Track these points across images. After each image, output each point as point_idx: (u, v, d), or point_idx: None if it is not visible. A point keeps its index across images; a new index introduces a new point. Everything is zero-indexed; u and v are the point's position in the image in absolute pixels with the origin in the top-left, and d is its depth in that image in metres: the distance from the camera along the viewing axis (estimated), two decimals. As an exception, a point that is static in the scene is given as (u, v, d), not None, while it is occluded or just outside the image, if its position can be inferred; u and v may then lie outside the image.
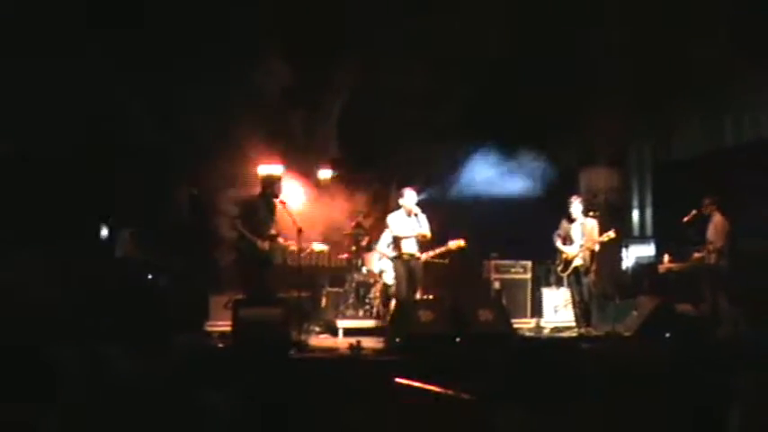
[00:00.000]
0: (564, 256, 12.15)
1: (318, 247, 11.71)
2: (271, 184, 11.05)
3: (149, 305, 10.52)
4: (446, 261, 13.16)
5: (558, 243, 12.27)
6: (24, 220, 12.00)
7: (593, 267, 12.02)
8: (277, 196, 10.93)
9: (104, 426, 5.93)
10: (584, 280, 12.00)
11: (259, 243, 10.64)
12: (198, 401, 6.19)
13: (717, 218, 11.63)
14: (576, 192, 13.90)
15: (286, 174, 13.72)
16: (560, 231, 12.25)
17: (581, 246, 11.98)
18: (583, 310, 12.09)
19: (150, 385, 6.53)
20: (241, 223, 10.86)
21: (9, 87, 11.72)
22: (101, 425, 5.93)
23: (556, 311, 13.43)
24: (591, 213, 12.58)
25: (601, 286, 12.59)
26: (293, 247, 11.14)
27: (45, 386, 6.31)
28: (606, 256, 13.24)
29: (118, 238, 12.03)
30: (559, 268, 12.30)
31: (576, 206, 12.19)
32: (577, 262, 12.01)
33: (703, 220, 11.79)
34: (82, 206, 12.68)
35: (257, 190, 11.19)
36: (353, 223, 13.79)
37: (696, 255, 11.87)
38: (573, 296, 12.32)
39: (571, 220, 12.21)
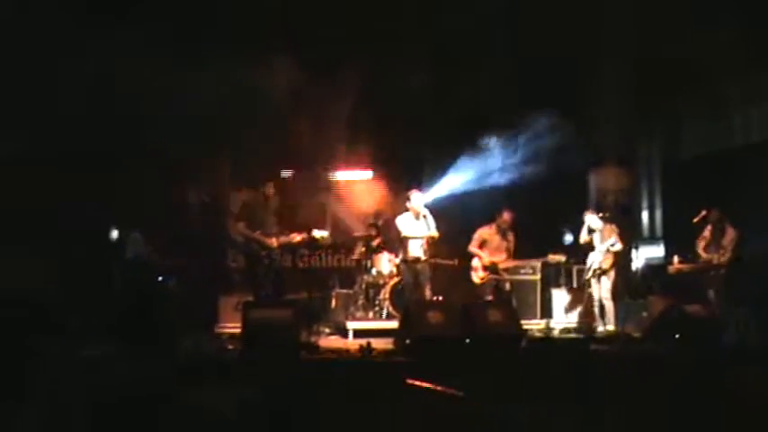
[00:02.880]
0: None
1: (319, 233, 11.64)
2: (264, 186, 11.11)
3: (159, 306, 10.55)
4: (455, 263, 13.20)
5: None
6: (35, 221, 12.04)
7: (613, 271, 12.39)
8: (269, 195, 11.03)
9: (111, 426, 5.96)
10: (604, 282, 12.36)
11: (266, 241, 10.69)
12: (206, 402, 6.21)
13: (728, 229, 11.76)
14: (586, 198, 14.20)
15: (296, 176, 13.79)
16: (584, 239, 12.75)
17: (604, 251, 12.36)
18: (600, 309, 12.38)
19: (158, 385, 6.57)
20: (243, 226, 10.91)
21: (20, 87, 11.77)
22: (107, 425, 5.97)
23: (567, 312, 13.47)
24: (601, 214, 12.73)
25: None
26: (298, 238, 11.16)
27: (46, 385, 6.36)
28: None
29: (128, 239, 12.05)
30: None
31: (593, 220, 12.62)
32: (595, 265, 12.42)
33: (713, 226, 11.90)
34: (93, 207, 12.72)
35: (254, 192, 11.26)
36: (367, 226, 13.85)
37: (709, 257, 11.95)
38: (591, 296, 12.63)
39: (591, 231, 12.58)
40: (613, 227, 12.49)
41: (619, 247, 12.33)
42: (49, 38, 11.92)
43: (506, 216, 12.50)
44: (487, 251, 12.47)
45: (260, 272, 10.83)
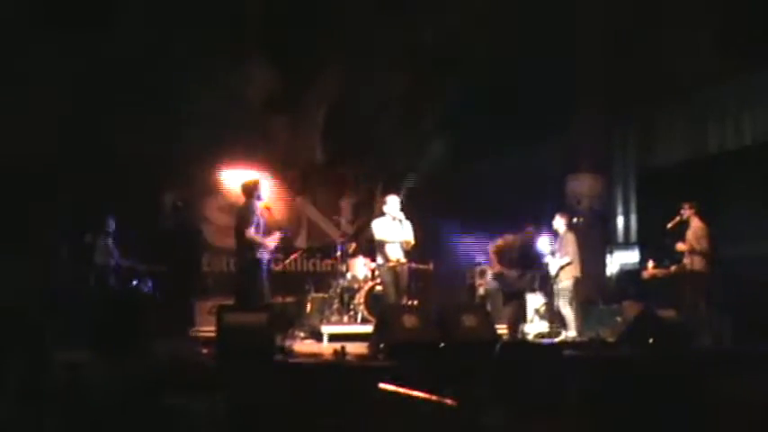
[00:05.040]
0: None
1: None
2: (254, 190, 10.99)
3: (132, 311, 10.48)
4: (430, 267, 13.21)
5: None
6: (7, 225, 11.96)
7: (567, 279, 12.47)
8: (260, 200, 10.93)
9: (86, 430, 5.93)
10: (555, 288, 12.62)
11: (269, 242, 10.58)
12: (181, 407, 6.19)
13: (695, 223, 11.81)
14: (561, 202, 14.27)
15: (271, 179, 13.76)
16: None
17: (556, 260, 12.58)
18: (557, 315, 12.65)
19: (132, 391, 6.53)
20: (254, 231, 10.69)
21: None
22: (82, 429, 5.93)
23: (539, 318, 13.53)
24: (575, 220, 12.82)
25: (583, 292, 12.84)
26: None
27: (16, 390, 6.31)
28: (590, 261, 13.40)
29: (99, 244, 11.97)
30: None
31: (557, 221, 12.70)
32: (552, 271, 12.61)
33: (684, 227, 11.92)
34: (65, 211, 12.66)
35: (242, 197, 11.12)
36: (340, 233, 13.86)
37: (683, 262, 12.01)
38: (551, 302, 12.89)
39: (556, 233, 12.71)
40: (570, 236, 12.56)
41: (565, 260, 12.43)
42: (29, 39, 11.89)
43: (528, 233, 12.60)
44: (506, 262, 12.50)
45: (255, 277, 10.71)
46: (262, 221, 10.72)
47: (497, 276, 12.48)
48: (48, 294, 11.16)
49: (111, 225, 12.14)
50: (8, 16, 11.84)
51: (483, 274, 13.98)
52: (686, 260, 11.87)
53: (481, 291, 13.80)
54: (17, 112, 12.01)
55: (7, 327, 8.13)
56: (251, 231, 10.56)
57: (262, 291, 10.62)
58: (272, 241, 10.65)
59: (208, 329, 11.39)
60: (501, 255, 12.41)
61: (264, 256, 10.61)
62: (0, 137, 12.03)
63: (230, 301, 10.78)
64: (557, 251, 12.53)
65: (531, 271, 12.56)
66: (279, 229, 11.10)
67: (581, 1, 13.71)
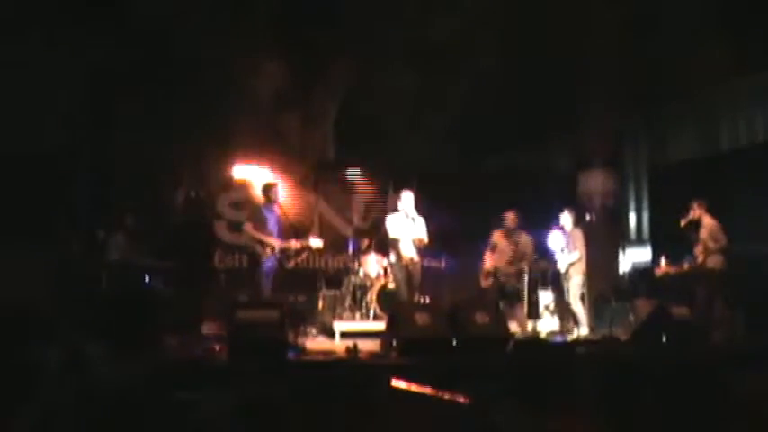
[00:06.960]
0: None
1: (315, 243, 11.58)
2: (270, 190, 11.09)
3: (145, 307, 10.50)
4: (441, 265, 13.19)
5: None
6: (19, 220, 11.98)
7: (577, 275, 12.46)
8: (276, 201, 11.03)
9: (100, 427, 5.93)
10: (565, 285, 12.60)
11: (271, 242, 10.72)
12: (192, 404, 6.19)
13: (707, 220, 11.78)
14: (572, 197, 14.23)
15: (282, 176, 13.77)
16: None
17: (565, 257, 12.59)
18: (568, 312, 12.69)
19: (144, 388, 6.54)
20: (252, 227, 10.85)
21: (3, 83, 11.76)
22: (96, 426, 5.94)
23: (550, 315, 13.51)
24: (587, 217, 12.80)
25: (595, 290, 12.83)
26: (297, 245, 11.14)
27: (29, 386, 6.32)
28: (603, 259, 13.37)
29: (111, 241, 11.99)
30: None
31: (564, 217, 12.67)
32: (562, 268, 12.60)
33: (696, 226, 11.90)
34: (76, 207, 12.68)
35: (257, 196, 11.21)
36: (352, 229, 13.86)
37: (697, 259, 11.98)
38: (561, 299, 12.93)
39: (564, 229, 12.68)
40: (578, 233, 12.53)
41: (574, 257, 12.41)
42: (42, 35, 11.92)
43: (509, 217, 12.52)
44: (496, 255, 12.50)
45: (261, 273, 10.83)
46: (274, 221, 10.85)
47: (490, 274, 12.43)
48: (60, 291, 11.18)
49: (130, 222, 12.16)
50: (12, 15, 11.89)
51: (488, 275, 13.96)
52: (700, 257, 11.83)
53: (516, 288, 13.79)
54: (32, 108, 12.05)
55: (20, 324, 8.15)
56: (248, 227, 10.71)
57: (259, 288, 10.74)
58: (275, 242, 10.77)
59: (218, 326, 11.41)
60: (494, 252, 12.44)
61: (269, 254, 10.76)
62: (15, 133, 12.08)
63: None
64: (565, 248, 12.51)
65: (525, 269, 12.52)
66: (295, 233, 11.16)
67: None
